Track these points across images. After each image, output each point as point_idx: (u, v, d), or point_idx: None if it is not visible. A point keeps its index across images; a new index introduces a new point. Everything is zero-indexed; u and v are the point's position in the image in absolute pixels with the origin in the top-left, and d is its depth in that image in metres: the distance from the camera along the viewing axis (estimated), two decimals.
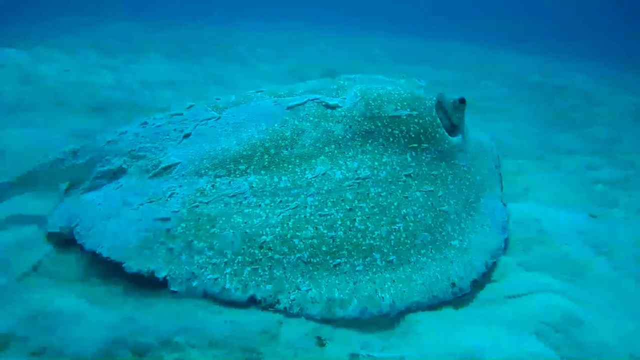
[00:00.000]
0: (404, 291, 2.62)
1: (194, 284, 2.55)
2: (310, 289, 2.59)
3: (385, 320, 2.55)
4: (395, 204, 2.95)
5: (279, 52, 12.28)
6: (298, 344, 2.33)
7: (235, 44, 13.06)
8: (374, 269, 2.71)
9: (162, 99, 6.87)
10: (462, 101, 3.45)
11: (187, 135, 3.18)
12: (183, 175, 2.98)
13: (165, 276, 2.57)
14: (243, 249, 2.66)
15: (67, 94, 6.52)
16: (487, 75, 11.15)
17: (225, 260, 2.63)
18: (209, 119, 3.25)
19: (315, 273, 2.64)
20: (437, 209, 3.03)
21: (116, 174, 3.09)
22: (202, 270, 2.59)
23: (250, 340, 2.33)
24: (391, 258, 2.76)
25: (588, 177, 5.06)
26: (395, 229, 2.85)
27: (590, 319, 2.58)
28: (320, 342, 2.35)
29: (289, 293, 2.56)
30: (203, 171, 2.98)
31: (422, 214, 2.97)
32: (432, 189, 3.12)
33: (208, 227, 2.73)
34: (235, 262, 2.63)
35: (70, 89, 6.77)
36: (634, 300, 2.87)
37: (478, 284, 2.86)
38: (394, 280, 2.67)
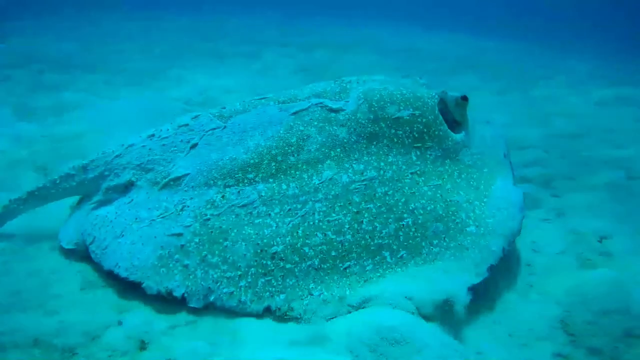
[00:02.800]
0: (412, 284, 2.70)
1: (211, 298, 2.63)
2: (322, 293, 2.67)
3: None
4: (403, 200, 3.00)
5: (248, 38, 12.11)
6: (118, 347, 2.39)
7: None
8: (384, 266, 2.77)
9: None
10: (465, 98, 3.47)
11: (194, 146, 3.22)
12: (192, 186, 3.03)
13: (183, 293, 2.64)
14: (256, 260, 2.73)
15: None
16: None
17: (240, 273, 2.70)
18: (215, 128, 3.28)
19: (326, 278, 2.73)
20: (447, 199, 3.05)
21: (127, 187, 3.14)
22: (218, 284, 2.67)
23: (71, 340, 2.41)
24: (401, 254, 2.82)
25: None
26: (403, 224, 2.90)
27: None
28: (142, 346, 2.42)
29: (302, 299, 2.64)
30: (212, 182, 3.03)
31: (432, 206, 3.00)
32: (439, 182, 3.15)
33: (221, 240, 2.79)
34: (249, 274, 2.70)
35: None
36: None
37: None
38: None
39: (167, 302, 2.66)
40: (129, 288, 2.75)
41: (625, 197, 4.65)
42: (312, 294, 2.66)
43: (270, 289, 2.67)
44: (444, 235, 2.90)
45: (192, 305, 2.62)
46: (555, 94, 9.11)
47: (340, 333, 2.45)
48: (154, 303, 2.68)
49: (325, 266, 2.75)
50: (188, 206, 2.94)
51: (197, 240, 2.80)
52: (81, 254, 2.99)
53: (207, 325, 2.57)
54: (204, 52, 10.69)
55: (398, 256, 2.81)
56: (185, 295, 2.64)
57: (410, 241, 2.86)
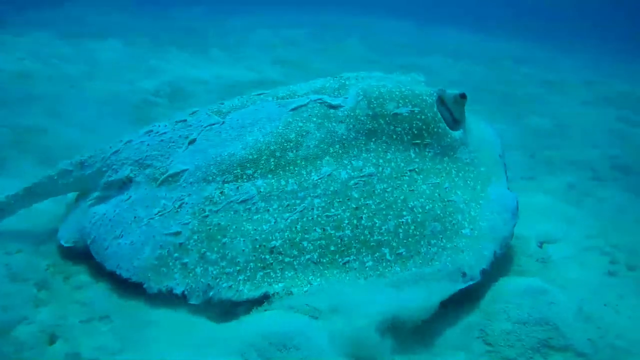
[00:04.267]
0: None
1: (210, 294, 2.63)
2: (322, 284, 2.66)
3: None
4: (402, 197, 3.00)
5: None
6: (27, 341, 2.36)
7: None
8: (384, 264, 2.76)
9: None
10: (463, 96, 3.48)
11: (192, 142, 3.21)
12: (191, 182, 3.01)
13: (183, 291, 2.64)
14: (254, 255, 2.72)
15: None
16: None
17: (238, 268, 2.69)
18: (214, 124, 3.27)
19: (325, 272, 2.71)
20: (445, 199, 3.05)
21: (125, 184, 3.13)
22: (217, 280, 2.66)
23: None
24: (400, 251, 2.81)
25: None
26: (402, 222, 2.89)
27: None
28: (52, 341, 2.40)
29: (302, 287, 2.63)
30: (210, 177, 3.02)
31: (430, 205, 3.00)
32: (438, 181, 3.15)
33: (219, 237, 2.78)
34: (248, 268, 2.69)
35: None
36: None
37: None
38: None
39: (82, 296, 2.67)
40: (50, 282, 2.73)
41: (583, 199, 4.65)
42: (311, 284, 2.65)
43: (269, 280, 2.66)
44: (441, 236, 2.90)
45: (192, 302, 2.62)
46: (538, 92, 9.10)
47: (238, 335, 2.39)
48: (71, 296, 2.68)
49: (324, 260, 2.74)
50: (186, 203, 2.93)
51: (195, 237, 2.79)
52: (80, 250, 2.96)
53: (121, 321, 2.54)
54: (188, 45, 10.64)
55: (397, 253, 2.80)
56: (185, 293, 2.64)
57: (410, 239, 2.85)
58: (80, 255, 2.99)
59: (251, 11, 17.24)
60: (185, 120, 3.33)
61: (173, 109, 6.21)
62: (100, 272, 2.86)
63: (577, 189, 4.85)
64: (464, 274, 2.77)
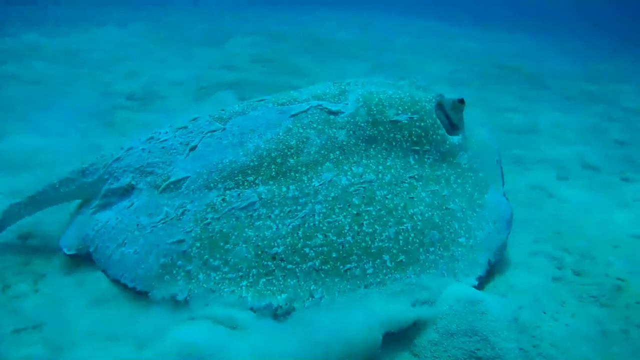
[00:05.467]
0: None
1: (212, 298, 2.65)
2: (323, 297, 2.68)
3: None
4: (402, 204, 3.03)
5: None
6: None
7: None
8: (385, 271, 2.80)
9: None
10: (461, 101, 3.51)
11: (193, 148, 3.22)
12: (193, 189, 3.03)
13: (186, 297, 2.66)
14: (256, 261, 2.74)
15: None
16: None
17: (241, 274, 2.71)
18: (214, 130, 3.29)
19: (327, 280, 2.73)
20: (444, 207, 3.11)
21: (127, 191, 3.14)
22: (220, 285, 2.68)
23: None
24: (400, 258, 2.85)
25: None
26: (403, 229, 2.93)
27: None
28: None
29: (304, 301, 2.66)
30: (212, 184, 3.03)
31: (430, 213, 3.05)
32: (437, 188, 3.20)
33: (222, 243, 2.80)
34: (250, 275, 2.71)
35: None
36: None
37: None
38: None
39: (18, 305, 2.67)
40: None
41: (544, 200, 4.49)
42: (313, 297, 2.67)
43: (272, 288, 2.68)
44: (439, 244, 2.96)
45: (193, 307, 2.63)
46: (520, 87, 8.90)
47: (159, 345, 2.40)
48: (7, 305, 2.67)
49: (326, 267, 2.75)
50: (189, 210, 2.94)
51: (198, 245, 2.81)
52: (83, 258, 2.98)
53: (51, 329, 2.53)
54: (172, 43, 10.57)
55: (397, 260, 2.84)
56: (188, 298, 2.66)
57: (409, 246, 2.89)
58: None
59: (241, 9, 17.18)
60: (186, 127, 3.34)
61: (145, 112, 6.14)
62: (42, 280, 2.88)
63: (541, 190, 4.68)
64: (459, 282, 2.85)
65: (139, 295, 2.74)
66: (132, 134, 5.20)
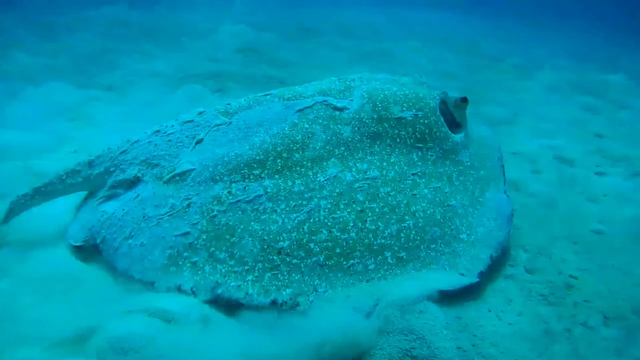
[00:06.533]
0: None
1: (219, 291, 2.67)
2: (327, 291, 2.72)
3: None
4: (405, 202, 3.08)
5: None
6: None
7: None
8: (386, 267, 2.85)
9: None
10: (464, 100, 3.56)
11: (199, 141, 3.24)
12: (198, 182, 3.05)
13: (192, 287, 2.69)
14: (262, 255, 2.78)
15: None
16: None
17: (247, 267, 2.74)
18: (221, 124, 3.30)
19: (330, 275, 2.77)
20: (445, 204, 3.16)
21: (133, 183, 3.16)
22: (226, 278, 2.71)
23: None
24: (401, 255, 2.90)
25: None
26: (405, 226, 2.98)
27: None
28: None
29: (308, 295, 2.70)
30: (218, 177, 3.06)
31: (431, 210, 3.09)
32: (439, 185, 3.24)
33: (228, 236, 2.83)
34: (256, 269, 2.75)
35: None
36: None
37: None
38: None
39: None
40: None
41: (511, 196, 4.16)
42: (317, 290, 2.71)
43: (277, 282, 2.71)
44: (440, 241, 3.01)
45: (200, 298, 2.66)
46: (505, 77, 8.74)
47: (97, 338, 2.39)
48: None
49: (330, 263, 2.79)
50: (194, 202, 2.96)
51: (204, 237, 2.83)
52: (90, 250, 2.99)
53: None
54: (160, 38, 10.36)
55: (398, 256, 2.88)
56: (194, 288, 2.68)
57: (410, 243, 2.94)
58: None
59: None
60: (192, 121, 3.35)
61: (120, 104, 6.01)
62: None
63: (509, 184, 4.38)
64: (462, 275, 2.90)
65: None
66: (107, 126, 5.14)
